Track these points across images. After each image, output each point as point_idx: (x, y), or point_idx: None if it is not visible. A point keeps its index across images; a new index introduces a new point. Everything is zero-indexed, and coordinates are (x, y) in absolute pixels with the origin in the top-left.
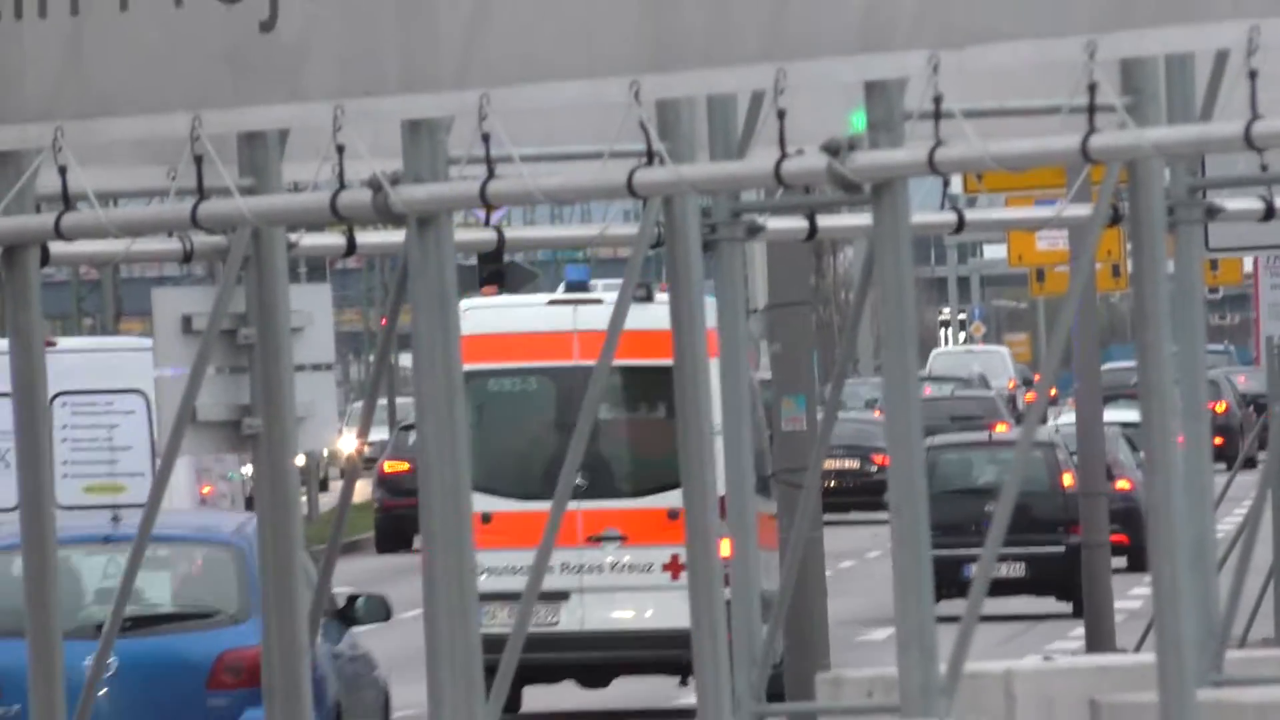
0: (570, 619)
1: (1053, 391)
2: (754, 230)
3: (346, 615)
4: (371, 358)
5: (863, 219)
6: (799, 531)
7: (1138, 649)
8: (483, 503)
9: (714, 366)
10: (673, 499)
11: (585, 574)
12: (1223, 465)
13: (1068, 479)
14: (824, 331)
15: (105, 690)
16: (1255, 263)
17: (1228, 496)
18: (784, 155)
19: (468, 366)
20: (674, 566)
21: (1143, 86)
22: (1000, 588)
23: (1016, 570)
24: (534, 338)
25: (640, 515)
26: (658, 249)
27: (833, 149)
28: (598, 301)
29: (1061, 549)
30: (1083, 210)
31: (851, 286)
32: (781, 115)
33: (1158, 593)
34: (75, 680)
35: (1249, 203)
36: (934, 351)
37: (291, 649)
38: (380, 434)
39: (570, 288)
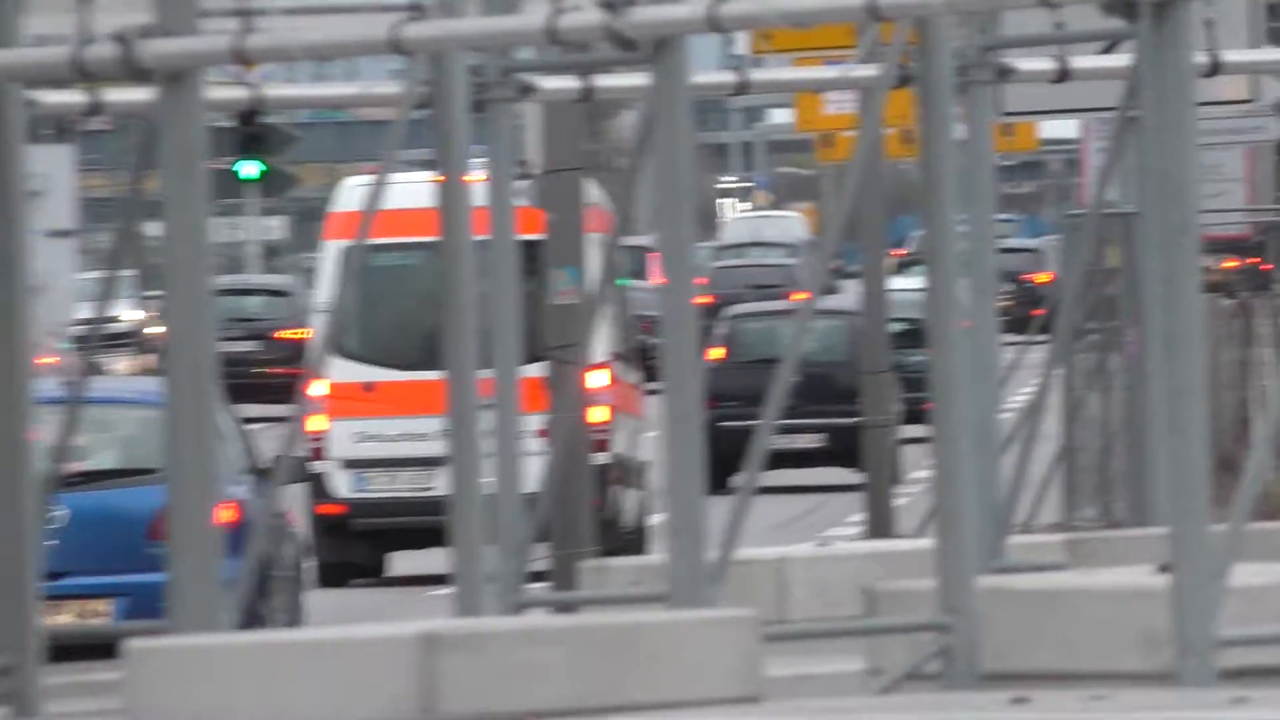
0: (445, 485)
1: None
2: (526, 90)
3: (269, 473)
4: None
5: (641, 79)
6: (565, 414)
7: (918, 534)
8: (365, 372)
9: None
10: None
11: None
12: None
13: None
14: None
15: (56, 541)
16: (1086, 130)
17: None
18: (559, 10)
19: (350, 241)
20: (543, 432)
21: None
22: (799, 459)
23: (816, 441)
24: (414, 214)
25: (524, 383)
26: (425, 110)
27: (610, 4)
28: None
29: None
30: (871, 72)
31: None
32: None
33: (938, 475)
34: None
35: (1042, 64)
36: (730, 217)
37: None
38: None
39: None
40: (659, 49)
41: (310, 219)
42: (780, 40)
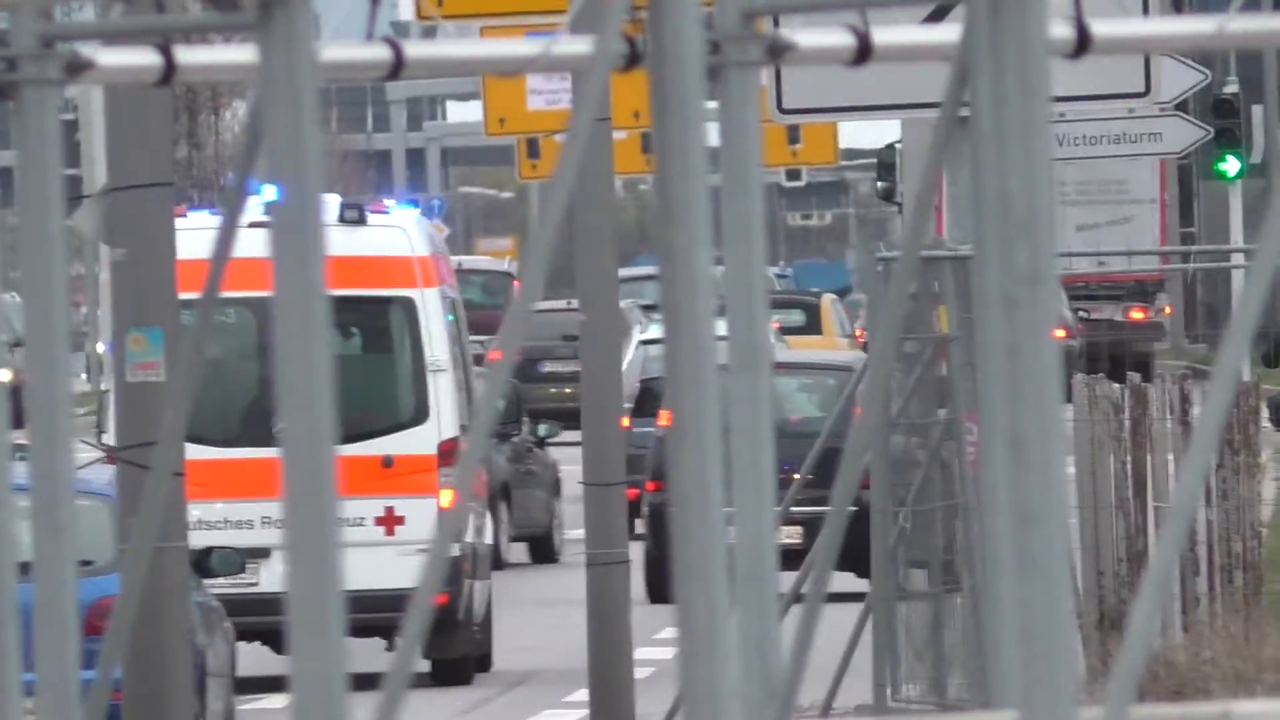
0: (271, 578)
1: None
2: (76, 68)
3: (201, 567)
4: None
5: (245, 55)
6: (144, 538)
7: None
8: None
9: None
10: (386, 444)
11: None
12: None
13: None
14: None
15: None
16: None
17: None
18: None
19: None
20: (388, 520)
21: None
22: None
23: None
24: (234, 265)
25: (350, 463)
26: None
27: None
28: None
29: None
30: (585, 48)
31: (233, 161)
32: None
33: (684, 633)
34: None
35: (834, 37)
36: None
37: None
38: None
39: (269, 207)
40: (268, 8)
41: None
42: (458, 2)
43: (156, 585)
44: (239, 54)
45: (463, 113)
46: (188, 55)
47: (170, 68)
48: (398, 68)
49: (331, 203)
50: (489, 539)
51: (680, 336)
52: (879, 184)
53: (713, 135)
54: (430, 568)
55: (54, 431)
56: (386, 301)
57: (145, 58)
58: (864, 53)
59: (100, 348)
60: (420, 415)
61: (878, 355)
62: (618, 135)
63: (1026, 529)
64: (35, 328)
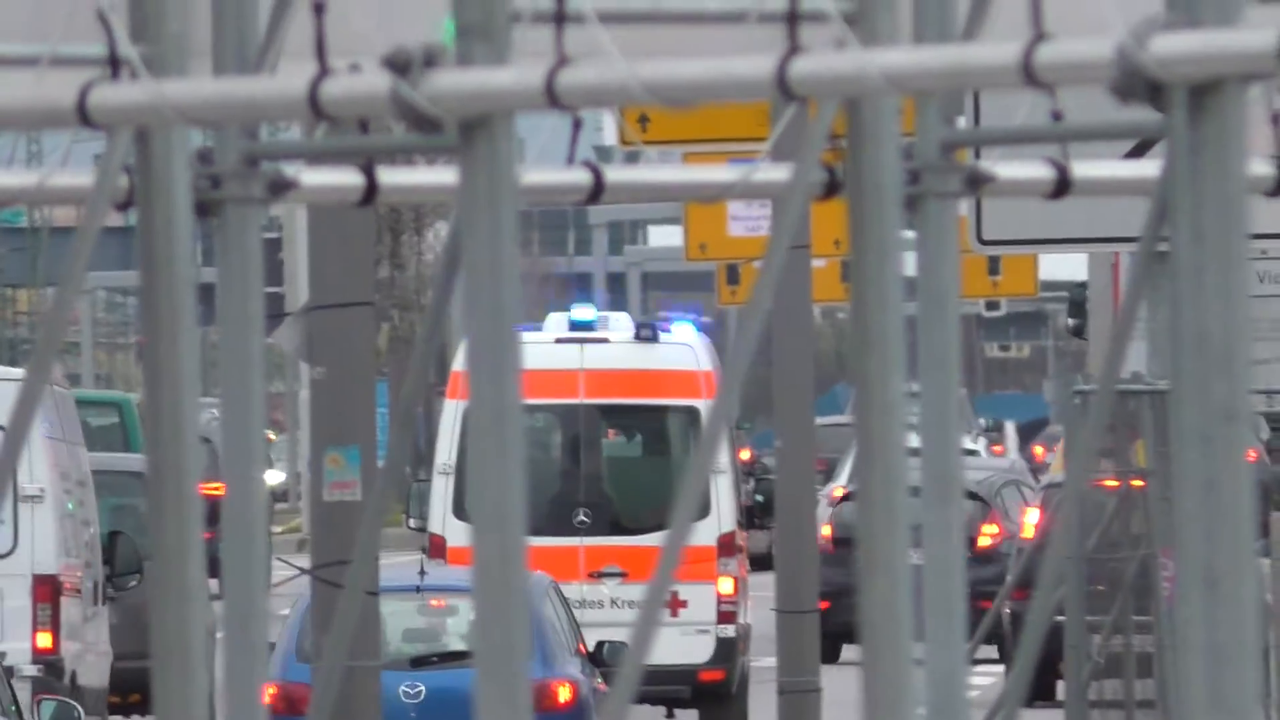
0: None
1: (746, 454)
2: (280, 187)
3: (594, 658)
4: None
5: (447, 176)
6: (336, 656)
7: None
8: None
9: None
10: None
11: (587, 609)
12: None
13: None
14: (400, 349)
15: (413, 715)
16: (1115, 264)
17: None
18: (324, 71)
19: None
20: (674, 603)
21: None
22: None
23: None
24: (540, 375)
25: (641, 552)
26: (129, 210)
27: (400, 64)
28: (604, 341)
29: None
30: (784, 175)
31: (434, 282)
32: (320, 9)
33: None
34: (393, 705)
35: (1033, 169)
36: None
37: None
38: None
39: (575, 327)
40: (470, 131)
41: None
42: (662, 127)
43: (347, 703)
44: (441, 175)
45: (664, 237)
46: (390, 176)
47: (372, 188)
48: (598, 191)
49: (624, 321)
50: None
51: (874, 465)
52: (1070, 321)
53: (910, 264)
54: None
55: (249, 549)
56: (677, 410)
57: (348, 178)
58: (1063, 186)
59: (300, 466)
60: (702, 510)
61: (1073, 488)
62: (817, 263)
63: (1219, 668)
64: (232, 445)
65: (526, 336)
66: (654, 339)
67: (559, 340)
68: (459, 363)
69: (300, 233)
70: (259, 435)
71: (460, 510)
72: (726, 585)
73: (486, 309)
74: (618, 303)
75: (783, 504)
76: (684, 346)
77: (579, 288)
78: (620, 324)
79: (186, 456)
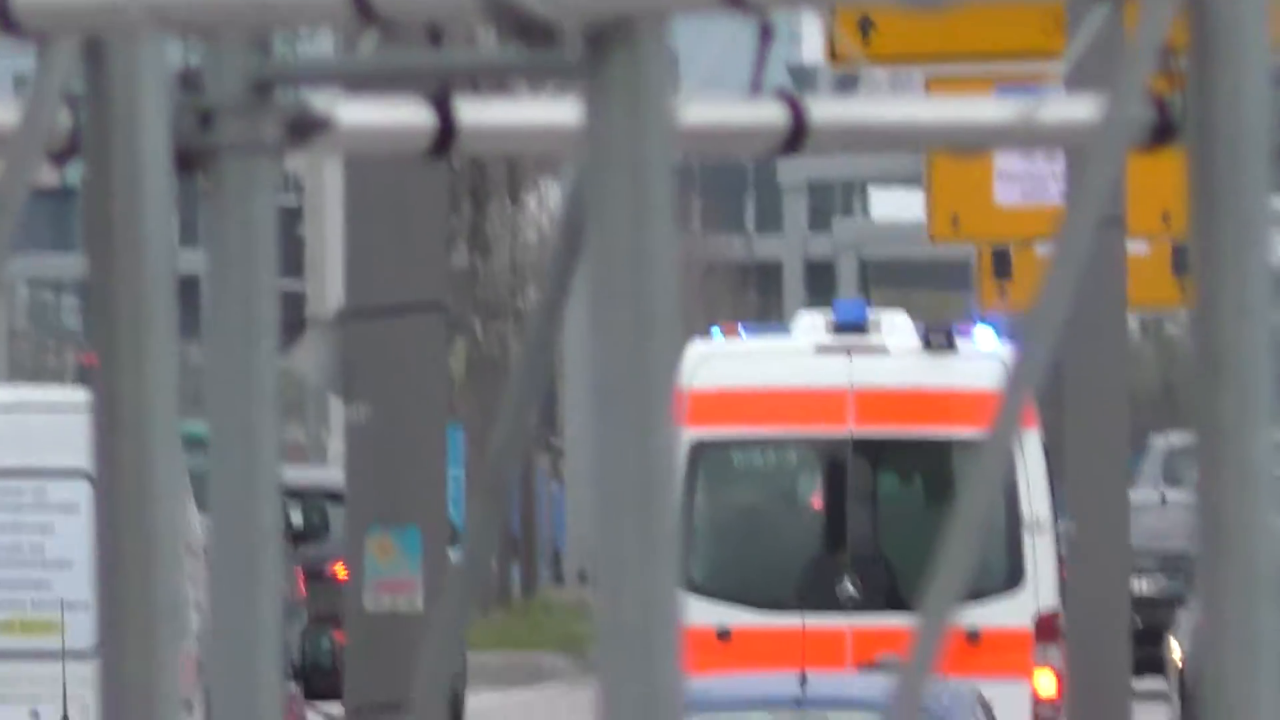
0: None
1: None
2: (302, 130)
3: None
4: None
5: (563, 113)
6: None
7: None
8: (718, 613)
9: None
10: (973, 615)
11: None
12: None
13: None
14: (486, 376)
15: None
16: None
17: None
18: None
19: (700, 433)
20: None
21: None
22: None
23: None
24: (794, 396)
25: None
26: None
27: None
28: (881, 351)
29: None
30: (1087, 111)
31: (539, 274)
32: None
33: None
34: None
35: None
36: None
37: None
38: None
39: (841, 327)
40: (601, 44)
41: None
42: (893, 36)
43: None
44: (554, 111)
45: (893, 206)
46: (474, 112)
47: (447, 131)
48: (796, 136)
49: (904, 323)
50: None
51: (1229, 563)
52: None
53: None
54: None
55: (252, 674)
56: (980, 446)
57: (409, 115)
58: None
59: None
60: (1013, 580)
61: None
62: (1135, 248)
63: None
64: (227, 535)
65: (769, 343)
66: (949, 346)
67: (820, 349)
68: (687, 370)
69: (332, 200)
70: (270, 511)
71: (694, 582)
72: (1046, 684)
73: (623, 315)
74: (821, 305)
75: (1080, 623)
76: (989, 359)
77: (762, 282)
78: (900, 327)
79: (160, 549)
